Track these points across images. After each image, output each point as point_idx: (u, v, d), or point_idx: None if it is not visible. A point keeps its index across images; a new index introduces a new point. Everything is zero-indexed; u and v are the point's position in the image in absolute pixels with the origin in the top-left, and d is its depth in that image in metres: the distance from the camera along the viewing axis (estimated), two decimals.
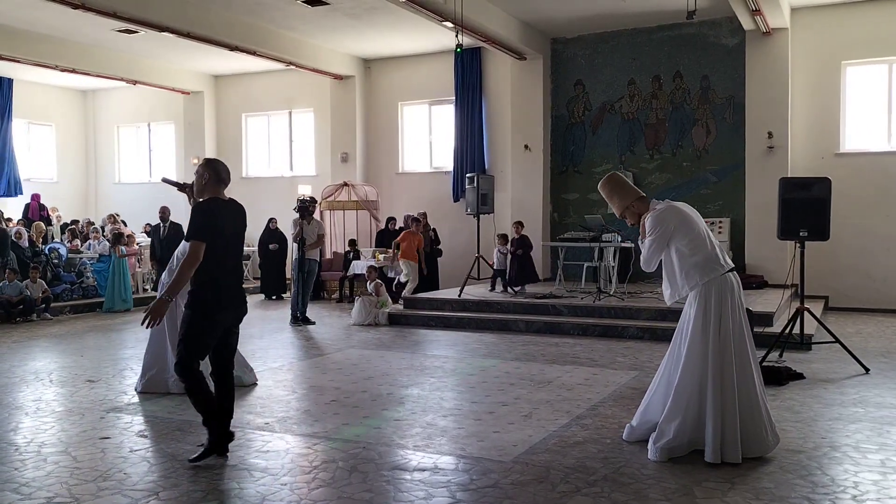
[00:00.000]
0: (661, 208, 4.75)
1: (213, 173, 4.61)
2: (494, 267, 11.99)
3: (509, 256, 11.83)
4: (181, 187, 5.11)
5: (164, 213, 12.67)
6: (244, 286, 4.88)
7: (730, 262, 4.72)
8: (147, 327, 4.46)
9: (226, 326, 4.62)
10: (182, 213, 17.65)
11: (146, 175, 18.81)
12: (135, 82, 16.30)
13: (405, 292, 12.04)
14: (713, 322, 4.53)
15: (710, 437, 4.43)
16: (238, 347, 6.81)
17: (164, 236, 12.33)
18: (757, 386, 4.58)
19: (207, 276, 4.46)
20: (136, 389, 6.55)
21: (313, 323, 10.85)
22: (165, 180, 5.62)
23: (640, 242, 4.83)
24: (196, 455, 4.58)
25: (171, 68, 16.56)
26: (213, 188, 4.62)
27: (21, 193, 17.03)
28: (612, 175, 5.07)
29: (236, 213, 4.73)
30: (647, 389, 4.99)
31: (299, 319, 10.78)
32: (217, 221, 4.51)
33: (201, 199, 4.62)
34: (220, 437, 4.59)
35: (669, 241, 4.65)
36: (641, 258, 4.82)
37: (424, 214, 13.91)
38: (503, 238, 12.05)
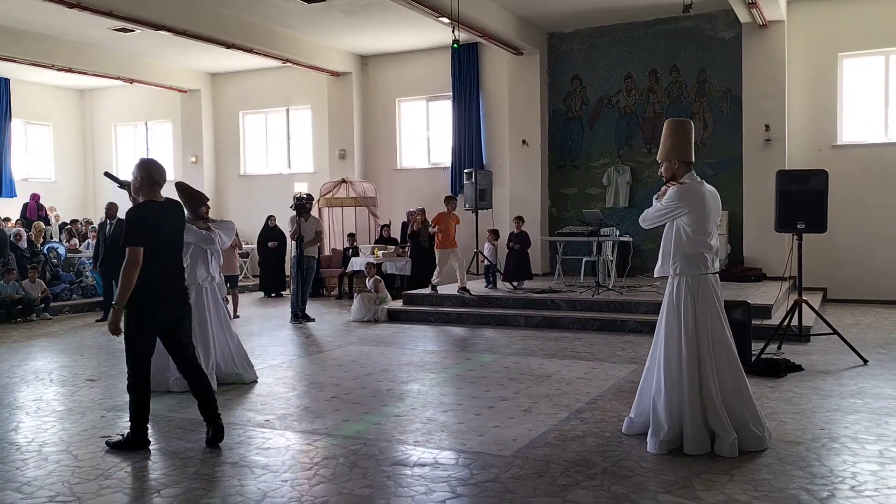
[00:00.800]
0: (687, 186, 4.72)
1: (146, 175, 4.72)
2: (486, 262, 11.94)
3: (507, 251, 11.84)
4: (121, 184, 5.16)
5: (111, 209, 11.60)
6: (181, 284, 4.97)
7: (716, 266, 4.79)
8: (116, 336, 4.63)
9: (164, 325, 4.73)
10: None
11: None
12: (132, 81, 16.29)
13: (461, 281, 11.07)
14: (686, 316, 4.62)
15: (687, 427, 4.53)
16: (239, 344, 6.88)
17: (109, 234, 11.35)
18: (743, 382, 4.63)
19: (143, 277, 4.56)
20: None
21: (313, 320, 10.86)
22: (108, 175, 5.64)
23: (654, 197, 4.87)
24: (114, 441, 4.80)
25: (167, 67, 16.55)
26: (148, 190, 4.72)
27: (15, 195, 16.99)
28: (687, 123, 4.89)
29: (173, 214, 4.84)
30: (640, 380, 5.02)
31: (299, 317, 10.80)
32: (151, 225, 4.63)
33: (136, 203, 4.76)
34: (140, 441, 4.75)
35: (677, 218, 4.71)
36: (644, 214, 4.89)
37: (423, 210, 13.91)
38: (494, 233, 12.07)
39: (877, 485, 3.99)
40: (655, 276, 4.95)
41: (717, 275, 4.80)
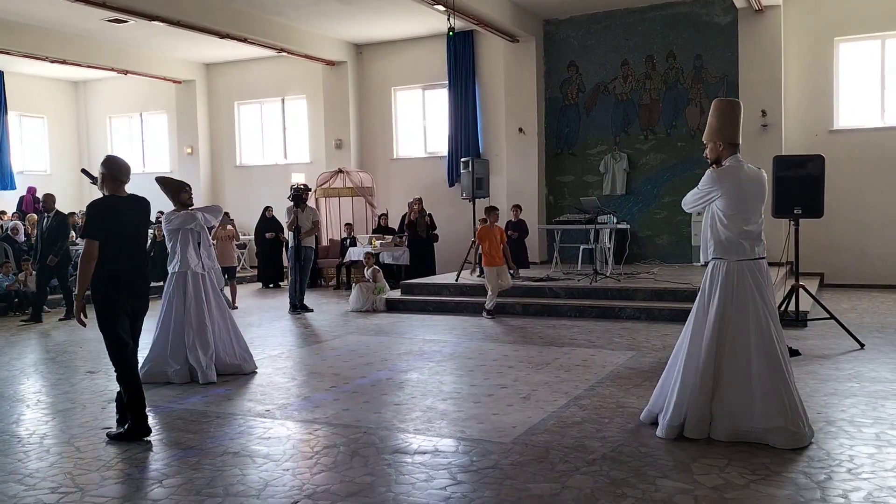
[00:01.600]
0: (722, 169, 4.63)
1: (108, 172, 4.88)
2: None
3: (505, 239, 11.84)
4: (94, 181, 5.22)
5: (48, 201, 11.09)
6: (146, 279, 5.09)
7: (758, 252, 4.63)
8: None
9: (129, 313, 4.89)
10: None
11: (140, 166, 18.77)
12: (126, 72, 16.23)
13: (488, 304, 9.88)
14: (713, 301, 4.55)
15: (691, 410, 4.51)
16: (239, 334, 6.89)
17: (46, 227, 10.85)
18: (784, 375, 4.45)
19: (102, 270, 4.73)
20: None
21: (311, 310, 10.87)
22: (84, 172, 5.72)
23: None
24: (115, 433, 4.88)
25: (162, 57, 16.48)
26: (111, 185, 4.89)
27: (14, 188, 16.97)
28: (736, 104, 4.78)
29: (134, 209, 4.97)
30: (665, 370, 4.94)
31: (297, 307, 10.81)
32: (108, 219, 4.79)
33: (98, 198, 4.93)
34: (140, 428, 4.81)
35: (714, 203, 4.64)
36: (685, 197, 4.85)
37: (420, 200, 13.92)
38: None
39: (873, 467, 4.03)
40: (699, 263, 4.88)
41: (760, 261, 4.62)
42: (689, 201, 4.85)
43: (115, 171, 4.90)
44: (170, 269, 6.76)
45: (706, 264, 4.73)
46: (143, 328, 5.12)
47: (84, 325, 4.79)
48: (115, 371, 4.88)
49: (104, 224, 4.77)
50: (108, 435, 4.90)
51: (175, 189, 6.80)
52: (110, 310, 4.79)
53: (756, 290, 4.55)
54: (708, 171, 4.68)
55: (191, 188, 6.98)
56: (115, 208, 4.85)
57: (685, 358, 4.61)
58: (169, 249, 6.81)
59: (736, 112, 4.71)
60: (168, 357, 6.53)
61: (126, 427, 4.84)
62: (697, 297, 4.73)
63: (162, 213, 16.40)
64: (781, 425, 4.36)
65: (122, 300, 4.83)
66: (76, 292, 4.83)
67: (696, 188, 4.78)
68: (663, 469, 4.06)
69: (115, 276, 4.79)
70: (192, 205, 6.90)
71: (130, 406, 4.81)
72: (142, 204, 5.07)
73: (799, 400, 4.51)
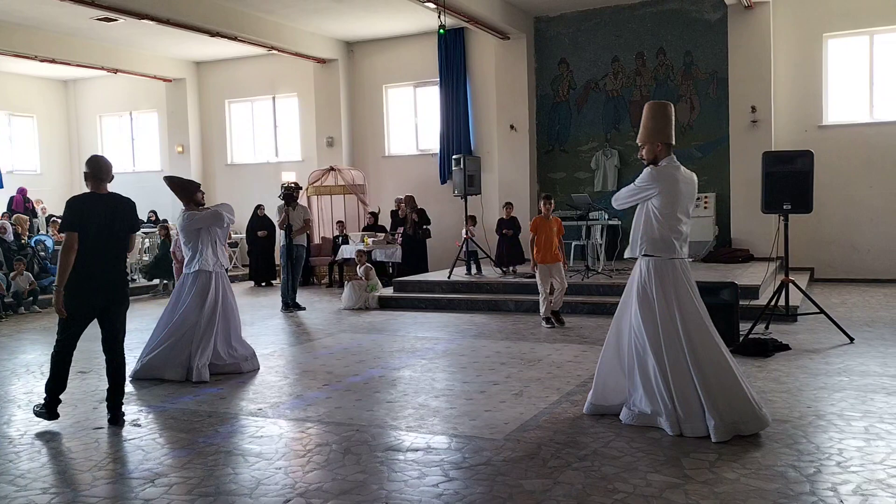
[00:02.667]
0: (662, 167, 4.76)
1: (89, 171, 5.11)
2: (468, 248, 11.89)
3: (498, 237, 11.86)
4: None
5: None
6: (120, 275, 5.19)
7: (685, 252, 4.79)
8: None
9: (98, 310, 5.07)
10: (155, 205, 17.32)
11: (130, 164, 18.71)
12: (116, 71, 16.15)
13: (554, 304, 8.73)
14: (658, 299, 4.63)
15: (666, 409, 4.57)
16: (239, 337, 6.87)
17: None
18: (731, 365, 4.59)
19: (76, 263, 4.93)
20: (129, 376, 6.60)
21: (304, 308, 10.87)
22: None
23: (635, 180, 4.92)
24: (39, 409, 5.22)
25: (152, 56, 16.42)
26: (92, 183, 5.11)
27: (1, 187, 16.86)
28: (664, 105, 4.90)
29: (111, 206, 5.09)
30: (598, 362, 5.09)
31: (290, 306, 10.80)
32: (84, 214, 4.96)
33: (77, 193, 5.20)
34: (50, 411, 5.17)
35: (648, 200, 4.76)
36: (618, 193, 4.95)
37: (412, 197, 13.91)
38: (473, 220, 12.07)
39: (862, 460, 4.06)
40: (626, 256, 5.03)
41: (684, 260, 4.78)
42: (623, 196, 4.91)
43: (96, 170, 5.08)
44: (187, 269, 6.76)
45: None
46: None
47: (64, 315, 4.98)
48: (54, 348, 5.14)
49: (80, 219, 4.95)
50: (34, 411, 5.27)
51: (189, 189, 6.84)
52: (76, 306, 4.98)
53: (689, 287, 4.71)
54: (647, 169, 4.80)
55: (201, 186, 7.07)
56: (92, 205, 5.02)
57: (661, 357, 4.61)
58: (186, 249, 6.81)
59: (670, 114, 4.85)
60: (170, 355, 6.51)
61: (43, 404, 5.16)
62: (634, 296, 4.75)
63: (154, 212, 16.30)
64: (753, 411, 4.50)
65: (90, 296, 4.99)
66: (56, 284, 4.98)
67: (631, 185, 4.87)
68: (654, 464, 4.09)
69: (85, 272, 4.94)
70: (205, 204, 6.93)
71: (49, 385, 5.11)
72: (122, 203, 5.16)
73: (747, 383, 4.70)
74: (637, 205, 4.87)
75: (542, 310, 8.79)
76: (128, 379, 6.53)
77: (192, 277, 6.71)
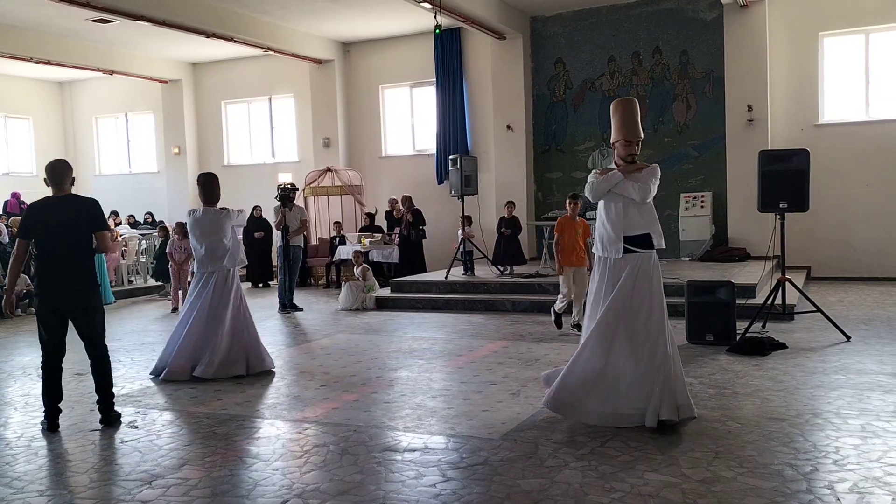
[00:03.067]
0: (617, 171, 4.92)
1: (46, 176, 5.13)
2: (464, 248, 11.86)
3: (497, 236, 11.87)
4: None
5: None
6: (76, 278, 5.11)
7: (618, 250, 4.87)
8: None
9: (65, 312, 5.07)
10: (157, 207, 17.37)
11: (126, 166, 18.69)
12: (112, 73, 16.12)
13: (577, 315, 7.94)
14: (604, 292, 4.84)
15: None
16: (255, 337, 6.84)
17: None
18: (669, 356, 4.68)
19: (35, 268, 5.02)
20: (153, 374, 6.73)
21: (301, 309, 10.86)
22: None
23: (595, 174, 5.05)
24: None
25: (147, 57, 16.39)
26: (52, 188, 5.13)
27: None
28: (632, 102, 5.02)
29: (65, 210, 5.06)
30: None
31: (287, 307, 10.79)
32: (37, 220, 5.01)
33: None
34: (48, 415, 5.12)
35: (605, 197, 4.92)
36: (642, 191, 4.88)
37: (409, 198, 13.91)
38: (469, 220, 12.07)
39: (859, 458, 4.07)
40: (655, 248, 4.94)
41: (630, 254, 4.93)
42: (647, 192, 4.85)
43: (52, 174, 5.10)
44: (200, 269, 6.82)
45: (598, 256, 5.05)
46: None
47: (11, 315, 5.25)
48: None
49: (31, 225, 5.01)
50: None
51: (211, 191, 6.84)
52: (42, 311, 5.05)
53: (637, 278, 4.85)
54: (656, 167, 4.96)
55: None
56: (46, 209, 5.05)
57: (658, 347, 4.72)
58: (196, 247, 6.86)
59: (633, 111, 4.98)
60: (192, 354, 6.57)
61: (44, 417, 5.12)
62: (656, 287, 4.84)
63: (151, 213, 16.25)
64: (686, 402, 4.73)
65: (52, 301, 5.00)
66: (6, 286, 5.20)
67: (647, 183, 4.85)
68: (652, 463, 4.09)
69: (42, 274, 4.99)
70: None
71: (42, 396, 5.12)
72: (79, 204, 5.11)
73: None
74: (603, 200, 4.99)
75: (557, 305, 8.29)
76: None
77: (198, 277, 6.82)
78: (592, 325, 4.85)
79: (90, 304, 5.12)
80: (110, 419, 5.17)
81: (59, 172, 5.08)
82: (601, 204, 5.01)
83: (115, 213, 16.73)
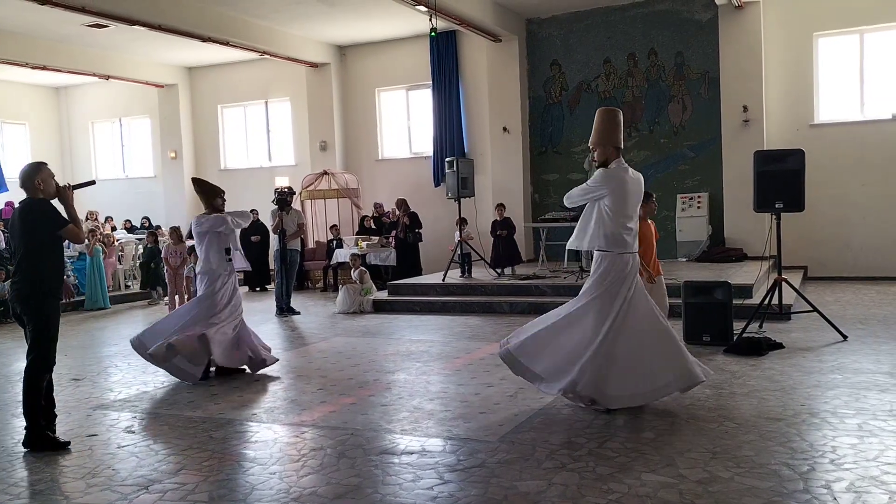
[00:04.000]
0: (612, 170, 5.17)
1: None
2: (461, 251, 11.85)
3: (493, 238, 11.88)
4: (89, 183, 5.82)
5: None
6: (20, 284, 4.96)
7: (635, 247, 5.23)
8: None
9: (21, 320, 4.98)
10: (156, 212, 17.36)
11: (122, 171, 18.66)
12: (108, 77, 16.11)
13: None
14: (609, 289, 5.05)
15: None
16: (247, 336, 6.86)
17: None
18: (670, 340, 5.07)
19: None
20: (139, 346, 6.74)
21: (298, 313, 10.85)
22: (78, 186, 5.59)
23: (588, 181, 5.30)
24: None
25: (143, 62, 16.39)
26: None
27: (6, 189, 16.77)
28: (614, 111, 5.36)
29: (18, 215, 5.01)
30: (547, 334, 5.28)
31: (284, 310, 10.78)
32: (8, 227, 5.15)
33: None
34: (29, 437, 4.86)
35: (599, 200, 5.12)
36: (570, 192, 5.34)
37: (404, 200, 13.92)
38: (465, 221, 12.07)
39: (856, 458, 4.07)
40: (568, 248, 5.54)
41: (636, 255, 5.23)
42: (574, 196, 5.31)
43: (19, 178, 5.03)
44: (196, 270, 7.01)
45: (579, 251, 5.25)
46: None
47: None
48: None
49: (7, 231, 5.17)
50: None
51: (210, 193, 7.08)
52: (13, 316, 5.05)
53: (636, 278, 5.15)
54: (599, 171, 5.20)
55: (225, 194, 7.17)
56: (13, 216, 5.07)
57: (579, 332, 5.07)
58: (198, 251, 6.99)
59: (619, 119, 5.30)
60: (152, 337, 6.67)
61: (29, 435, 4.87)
62: (593, 285, 5.16)
63: (147, 218, 16.24)
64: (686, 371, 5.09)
65: (13, 306, 4.98)
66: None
67: (584, 184, 5.30)
68: (649, 464, 4.09)
69: (10, 282, 5.01)
70: (224, 211, 6.99)
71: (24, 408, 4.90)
72: (28, 209, 4.93)
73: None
74: (587, 203, 5.24)
75: None
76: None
77: (198, 279, 6.91)
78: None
79: (41, 314, 4.87)
80: (32, 441, 4.81)
81: (22, 176, 4.96)
82: None
83: (109, 218, 16.72)
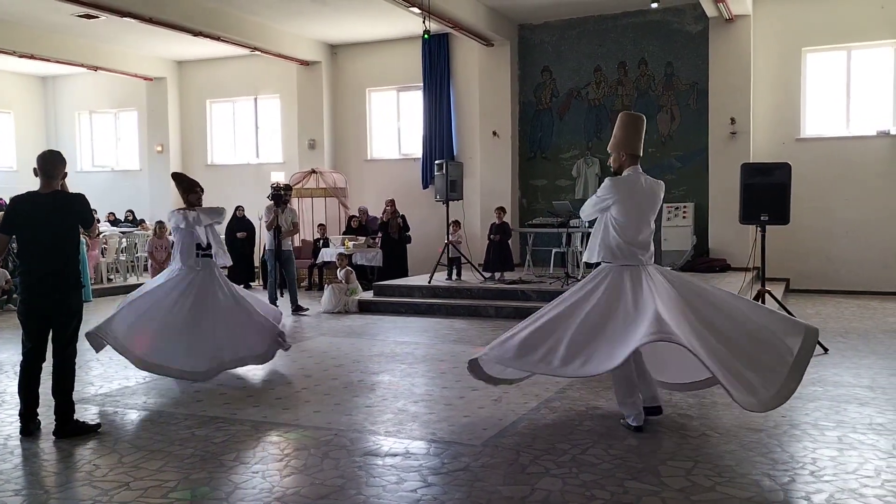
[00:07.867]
0: (623, 178, 4.97)
1: (38, 167, 4.91)
2: (450, 254, 11.86)
3: (487, 242, 11.89)
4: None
5: None
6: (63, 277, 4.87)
7: (646, 259, 4.89)
8: None
9: (43, 314, 4.83)
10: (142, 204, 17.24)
11: (108, 163, 18.50)
12: (96, 68, 15.97)
13: None
14: (597, 297, 4.77)
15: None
16: (247, 327, 6.79)
17: None
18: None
19: (21, 265, 4.91)
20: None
21: (307, 309, 10.77)
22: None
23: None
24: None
25: (133, 54, 16.27)
26: (42, 182, 4.91)
27: None
28: (635, 117, 5.15)
29: (55, 207, 4.86)
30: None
31: (295, 309, 10.66)
32: (20, 215, 4.80)
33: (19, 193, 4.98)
34: (23, 415, 4.91)
35: (608, 209, 4.93)
36: (583, 207, 5.15)
37: (392, 201, 13.91)
38: (457, 224, 12.09)
39: (835, 470, 4.12)
40: (584, 261, 5.27)
41: (647, 266, 4.87)
42: (587, 209, 5.10)
43: (44, 165, 4.88)
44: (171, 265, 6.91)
45: (591, 265, 5.08)
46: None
47: None
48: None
49: (14, 220, 4.82)
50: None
51: (186, 188, 6.89)
52: (24, 307, 4.86)
53: (632, 294, 4.71)
54: (606, 180, 5.00)
55: (202, 190, 6.98)
56: (29, 205, 4.82)
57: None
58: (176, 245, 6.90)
59: (639, 125, 5.06)
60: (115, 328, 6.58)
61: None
62: (578, 287, 4.96)
63: (132, 211, 16.15)
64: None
65: (33, 300, 4.80)
66: None
67: (594, 196, 5.05)
68: (632, 471, 4.12)
69: (27, 275, 4.83)
70: (199, 205, 6.84)
71: (19, 396, 4.92)
72: (68, 202, 4.89)
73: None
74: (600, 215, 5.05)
75: None
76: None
77: (175, 272, 6.71)
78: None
79: (72, 308, 4.90)
80: (66, 431, 4.84)
81: (52, 164, 4.85)
82: None
83: (93, 211, 16.57)
